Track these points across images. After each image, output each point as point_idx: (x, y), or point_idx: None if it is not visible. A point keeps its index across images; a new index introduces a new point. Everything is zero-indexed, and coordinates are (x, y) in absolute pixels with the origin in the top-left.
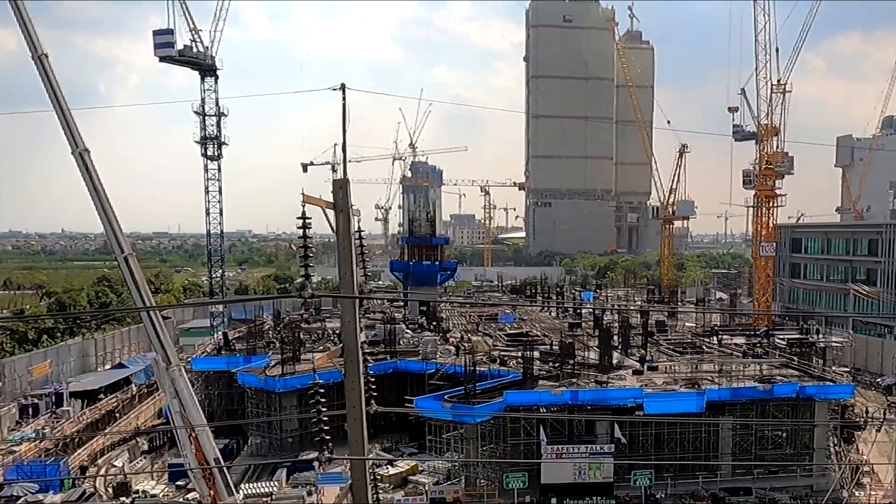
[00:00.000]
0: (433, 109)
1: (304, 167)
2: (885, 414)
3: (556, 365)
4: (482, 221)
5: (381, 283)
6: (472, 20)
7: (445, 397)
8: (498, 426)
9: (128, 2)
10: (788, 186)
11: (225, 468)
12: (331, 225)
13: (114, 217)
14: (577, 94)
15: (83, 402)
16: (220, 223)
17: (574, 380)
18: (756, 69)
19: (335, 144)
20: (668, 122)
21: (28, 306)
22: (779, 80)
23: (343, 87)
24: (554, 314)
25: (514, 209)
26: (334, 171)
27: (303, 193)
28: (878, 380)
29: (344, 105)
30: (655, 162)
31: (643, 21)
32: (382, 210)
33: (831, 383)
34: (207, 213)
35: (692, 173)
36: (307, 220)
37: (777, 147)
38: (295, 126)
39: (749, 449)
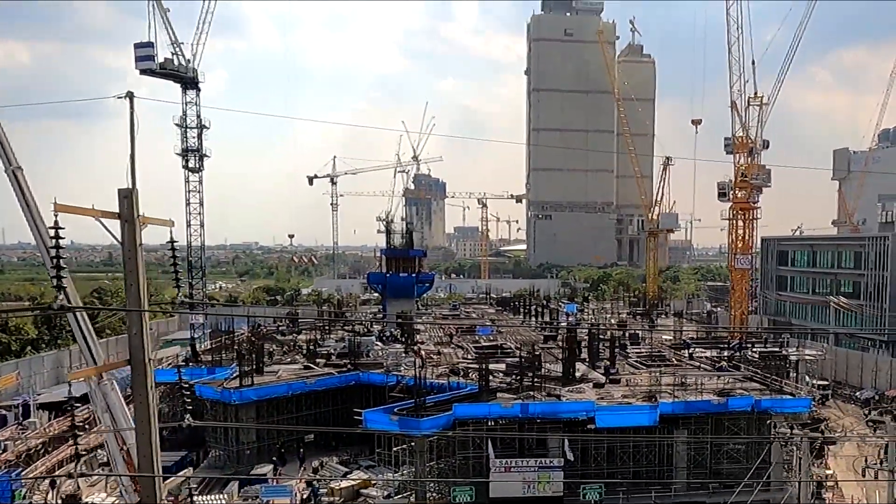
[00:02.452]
0: (439, 121)
1: (310, 179)
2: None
3: (517, 377)
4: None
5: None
6: (478, 33)
7: (395, 410)
8: (448, 439)
9: (137, 9)
10: (792, 199)
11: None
12: (113, 235)
13: (46, 233)
14: (577, 106)
15: (50, 413)
16: (201, 234)
17: (532, 392)
18: (730, 82)
19: (334, 157)
20: (653, 135)
21: (14, 318)
22: (755, 93)
23: (130, 96)
24: (533, 327)
25: (517, 221)
26: (333, 183)
27: (54, 203)
28: (857, 393)
29: (132, 115)
30: (640, 174)
31: (649, 32)
32: (384, 223)
33: (789, 397)
34: (188, 225)
35: (699, 185)
36: (59, 229)
37: (754, 159)
38: (298, 138)
39: (704, 463)
